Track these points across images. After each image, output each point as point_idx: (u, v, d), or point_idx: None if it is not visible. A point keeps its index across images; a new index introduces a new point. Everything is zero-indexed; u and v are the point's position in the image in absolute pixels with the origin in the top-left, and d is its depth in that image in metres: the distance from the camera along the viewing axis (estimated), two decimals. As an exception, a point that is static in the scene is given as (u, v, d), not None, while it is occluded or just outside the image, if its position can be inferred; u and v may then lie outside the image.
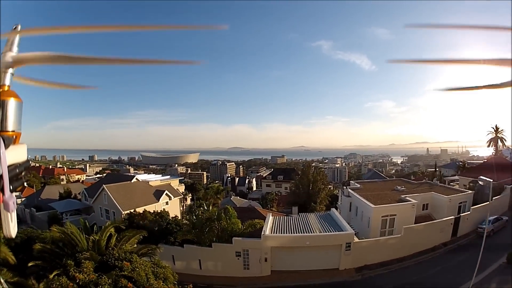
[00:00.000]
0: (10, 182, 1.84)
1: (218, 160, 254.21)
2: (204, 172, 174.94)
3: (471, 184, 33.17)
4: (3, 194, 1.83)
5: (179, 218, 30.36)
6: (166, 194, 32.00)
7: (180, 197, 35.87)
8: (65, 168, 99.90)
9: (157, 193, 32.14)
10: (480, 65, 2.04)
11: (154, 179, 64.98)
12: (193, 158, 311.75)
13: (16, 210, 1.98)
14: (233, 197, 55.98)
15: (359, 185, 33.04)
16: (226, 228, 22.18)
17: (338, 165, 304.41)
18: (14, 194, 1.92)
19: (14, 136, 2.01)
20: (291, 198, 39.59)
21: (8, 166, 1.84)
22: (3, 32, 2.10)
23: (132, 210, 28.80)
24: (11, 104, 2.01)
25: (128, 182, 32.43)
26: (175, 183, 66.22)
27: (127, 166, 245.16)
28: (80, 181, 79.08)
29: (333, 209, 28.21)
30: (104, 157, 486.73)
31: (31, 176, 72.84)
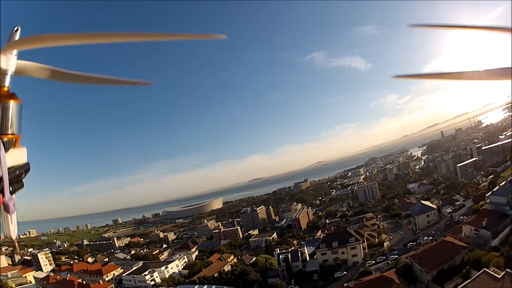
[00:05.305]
0: (10, 184, 1.88)
1: (244, 203, 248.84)
2: (238, 227, 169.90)
3: None
4: (3, 196, 1.86)
5: None
6: None
7: None
8: None
9: None
10: (478, 30, 2.17)
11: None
12: (217, 204, 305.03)
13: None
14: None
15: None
16: None
17: (362, 177, 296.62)
18: (14, 196, 1.95)
19: (14, 139, 2.01)
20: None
21: (8, 169, 1.86)
22: (3, 33, 2.09)
23: None
24: (11, 107, 1.99)
25: None
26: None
27: (154, 230, 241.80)
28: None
29: None
30: (128, 218, 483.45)
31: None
